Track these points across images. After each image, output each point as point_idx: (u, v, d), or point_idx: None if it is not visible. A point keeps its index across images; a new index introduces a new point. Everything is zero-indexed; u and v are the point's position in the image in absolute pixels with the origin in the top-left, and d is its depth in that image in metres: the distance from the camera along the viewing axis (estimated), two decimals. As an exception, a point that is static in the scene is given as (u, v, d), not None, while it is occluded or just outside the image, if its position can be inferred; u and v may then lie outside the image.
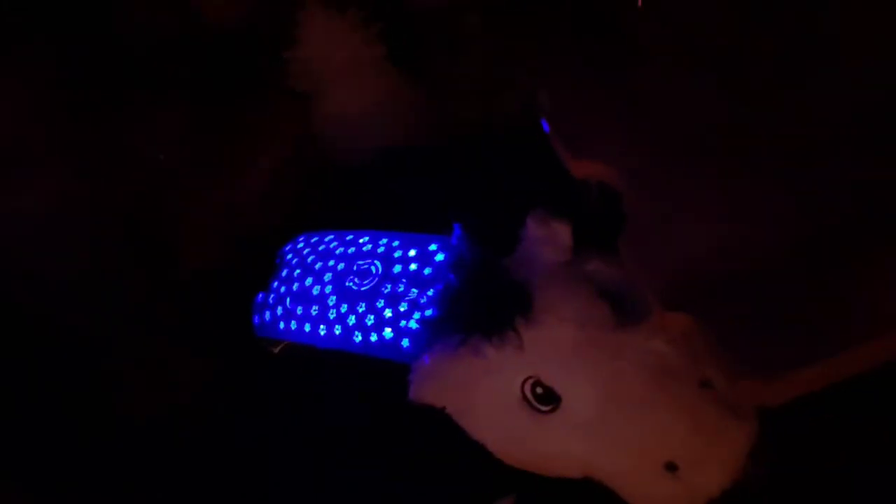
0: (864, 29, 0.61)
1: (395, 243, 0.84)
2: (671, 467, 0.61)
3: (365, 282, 0.82)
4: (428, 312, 0.74)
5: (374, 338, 0.78)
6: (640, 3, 0.75)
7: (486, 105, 1.14)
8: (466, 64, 1.18)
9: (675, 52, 0.65)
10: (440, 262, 0.78)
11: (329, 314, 0.82)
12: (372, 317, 0.79)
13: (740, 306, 0.54)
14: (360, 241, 0.87)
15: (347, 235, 0.89)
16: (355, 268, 0.83)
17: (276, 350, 0.91)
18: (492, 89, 1.14)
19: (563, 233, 0.69)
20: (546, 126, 0.69)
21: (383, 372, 0.76)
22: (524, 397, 0.65)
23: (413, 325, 0.76)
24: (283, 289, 0.88)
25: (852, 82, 0.60)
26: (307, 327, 0.84)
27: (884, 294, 0.51)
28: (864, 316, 0.51)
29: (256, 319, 0.90)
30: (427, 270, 0.79)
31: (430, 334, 0.71)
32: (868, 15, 0.61)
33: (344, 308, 0.81)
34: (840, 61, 0.61)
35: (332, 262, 0.86)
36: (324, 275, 0.85)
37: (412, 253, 0.81)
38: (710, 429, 0.61)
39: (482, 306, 0.66)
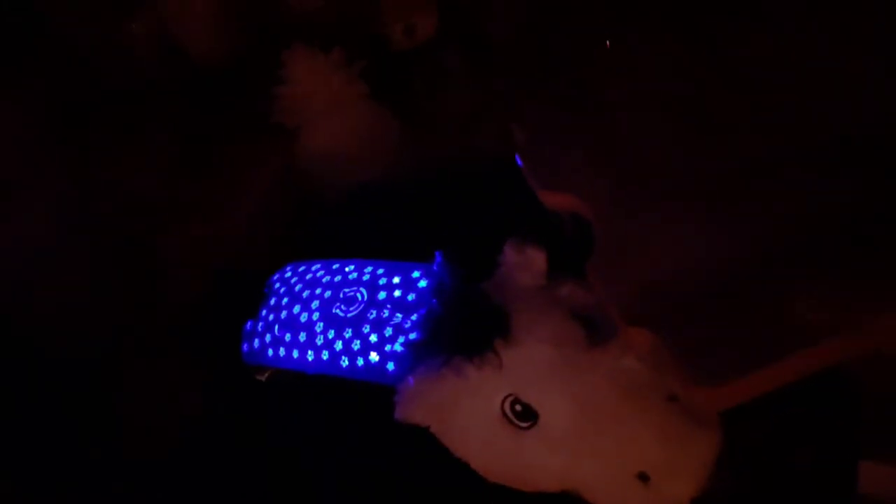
0: (804, 66, 0.67)
1: (380, 271, 0.87)
2: (643, 477, 0.65)
3: (351, 308, 0.85)
4: (412, 336, 0.77)
5: (360, 362, 0.81)
6: (607, 43, 0.80)
7: (465, 139, 1.18)
8: (446, 100, 1.23)
9: (636, 95, 0.70)
10: (423, 288, 0.82)
11: (317, 340, 0.85)
12: (358, 342, 0.82)
13: (692, 321, 0.59)
14: (347, 269, 0.90)
15: (334, 264, 0.93)
16: (342, 295, 0.87)
17: (264, 378, 0.94)
18: (471, 124, 1.19)
19: (538, 259, 0.73)
20: (519, 160, 0.73)
21: (369, 395, 0.79)
22: (504, 415, 0.68)
23: (398, 348, 0.79)
24: (271, 316, 0.91)
25: (798, 116, 0.66)
26: (295, 353, 0.87)
27: (812, 308, 0.56)
28: (795, 329, 0.56)
29: (245, 347, 0.93)
30: (411, 296, 0.82)
31: (414, 357, 0.75)
32: (812, 52, 0.67)
33: (331, 334, 0.84)
34: (790, 91, 0.67)
35: (318, 290, 0.89)
36: (311, 302, 0.88)
37: (396, 280, 0.85)
38: (678, 439, 0.65)
39: (463, 329, 0.69)
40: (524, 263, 0.74)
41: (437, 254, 0.79)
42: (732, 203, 0.63)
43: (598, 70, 0.73)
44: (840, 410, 0.67)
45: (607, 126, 0.70)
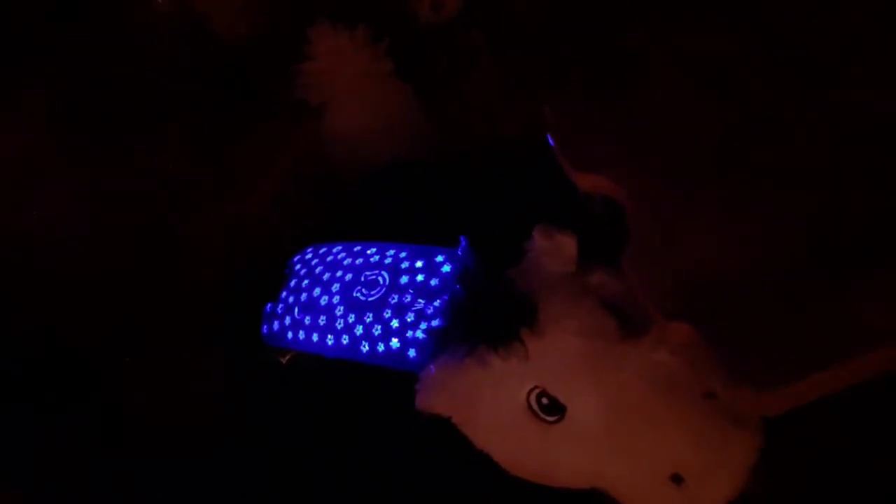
0: (860, 50, 0.62)
1: (403, 254, 0.84)
2: (677, 479, 0.62)
3: (372, 292, 0.82)
4: (434, 323, 0.74)
5: (381, 348, 0.79)
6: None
7: (492, 120, 1.15)
8: (473, 80, 1.20)
9: (676, 74, 0.66)
10: (447, 273, 0.79)
11: (337, 324, 0.83)
12: (379, 327, 0.79)
13: (740, 319, 0.55)
14: (368, 251, 0.88)
15: (355, 247, 0.90)
16: (363, 278, 0.84)
17: (285, 360, 0.92)
18: (498, 104, 1.15)
19: (568, 245, 0.70)
20: (551, 141, 0.70)
21: (390, 381, 0.77)
22: (529, 408, 0.65)
23: (420, 335, 0.76)
24: (291, 299, 0.89)
25: (850, 102, 0.61)
26: (315, 337, 0.85)
27: (874, 308, 0.52)
28: (856, 330, 0.52)
29: (265, 329, 0.91)
30: (434, 281, 0.79)
31: (437, 344, 0.72)
32: (861, 35, 0.62)
33: (351, 318, 0.82)
34: (836, 82, 0.62)
35: (340, 273, 0.87)
36: (332, 285, 0.86)
37: (419, 264, 0.82)
38: (714, 441, 0.61)
39: (488, 317, 0.66)
40: (553, 249, 0.70)
41: (461, 238, 0.76)
42: (783, 193, 0.59)
43: (635, 47, 0.69)
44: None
45: (644, 108, 0.65)
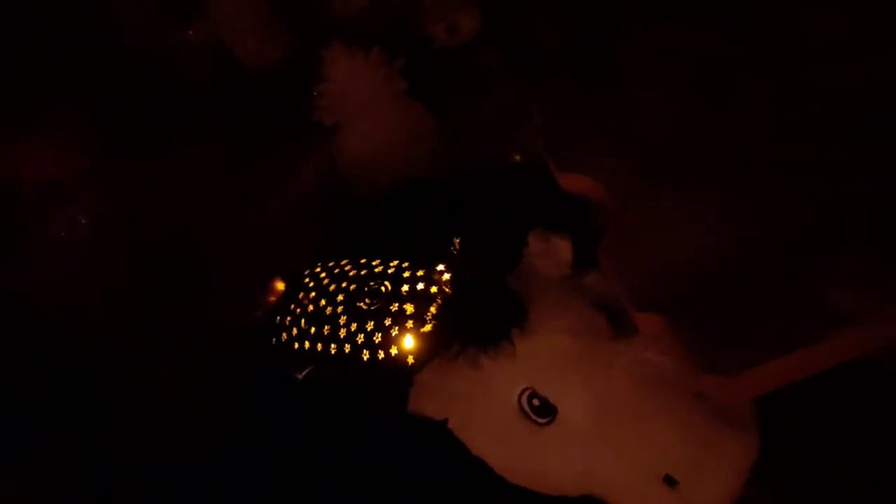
0: (830, 44, 0.62)
1: (405, 264, 0.85)
2: (670, 481, 0.60)
3: (374, 301, 0.83)
4: (428, 327, 0.75)
5: (381, 355, 0.79)
6: None
7: (505, 140, 1.16)
8: (487, 100, 1.21)
9: (654, 74, 0.66)
10: (446, 281, 0.80)
11: (339, 333, 0.84)
12: (379, 335, 0.80)
13: (706, 307, 0.54)
14: (373, 263, 0.89)
15: (361, 259, 0.92)
16: (366, 288, 0.85)
17: (301, 375, 0.93)
18: (511, 125, 1.16)
19: (562, 248, 0.70)
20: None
21: (389, 388, 0.77)
22: (521, 409, 0.65)
23: (417, 341, 0.77)
24: (298, 310, 0.91)
25: (819, 94, 0.60)
26: (319, 346, 0.85)
27: (840, 292, 0.51)
28: (822, 314, 0.51)
29: (273, 340, 0.92)
30: (434, 289, 0.80)
31: (431, 348, 0.72)
32: (835, 28, 0.62)
33: (353, 327, 0.83)
34: (808, 75, 0.62)
35: (344, 284, 0.88)
36: (336, 296, 0.87)
37: (420, 273, 0.83)
38: (707, 441, 0.60)
39: (478, 318, 0.66)
40: (548, 252, 0.70)
41: (456, 241, 0.76)
42: (755, 182, 0.58)
43: (620, 46, 0.69)
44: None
45: (626, 104, 0.65)
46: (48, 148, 1.12)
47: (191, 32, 1.36)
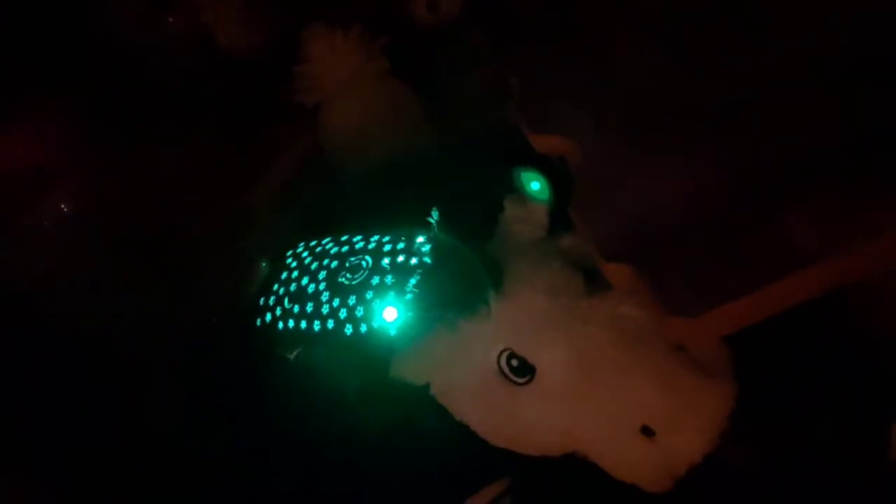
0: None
1: (386, 238, 0.85)
2: (648, 432, 0.60)
3: (356, 276, 0.83)
4: (409, 297, 0.75)
5: (363, 328, 0.80)
6: None
7: (488, 118, 1.15)
8: (469, 77, 1.21)
9: (627, 31, 0.66)
10: (426, 251, 0.80)
11: (322, 309, 0.84)
12: (361, 308, 0.80)
13: (671, 253, 0.54)
14: (354, 239, 0.89)
15: (343, 237, 0.92)
16: (347, 264, 0.85)
17: (292, 356, 0.93)
18: (494, 102, 1.16)
19: (539, 211, 0.70)
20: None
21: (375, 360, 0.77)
22: (500, 371, 0.65)
23: (399, 312, 0.77)
24: (281, 290, 0.91)
25: (786, 42, 0.60)
26: (303, 324, 0.86)
27: (804, 231, 0.51)
28: (787, 252, 0.51)
29: (259, 322, 0.93)
30: (414, 260, 0.80)
31: (412, 317, 0.72)
32: None
33: (336, 302, 0.83)
34: (772, 22, 0.62)
35: (326, 261, 0.88)
36: (319, 273, 0.87)
37: (400, 246, 0.83)
38: (684, 391, 0.60)
39: (453, 282, 0.66)
40: (525, 217, 0.70)
41: (433, 211, 0.77)
42: (721, 130, 0.58)
43: (598, 9, 0.69)
44: (865, 367, 0.60)
45: (595, 61, 0.66)
46: (31, 136, 1.11)
47: (171, 20, 1.36)
